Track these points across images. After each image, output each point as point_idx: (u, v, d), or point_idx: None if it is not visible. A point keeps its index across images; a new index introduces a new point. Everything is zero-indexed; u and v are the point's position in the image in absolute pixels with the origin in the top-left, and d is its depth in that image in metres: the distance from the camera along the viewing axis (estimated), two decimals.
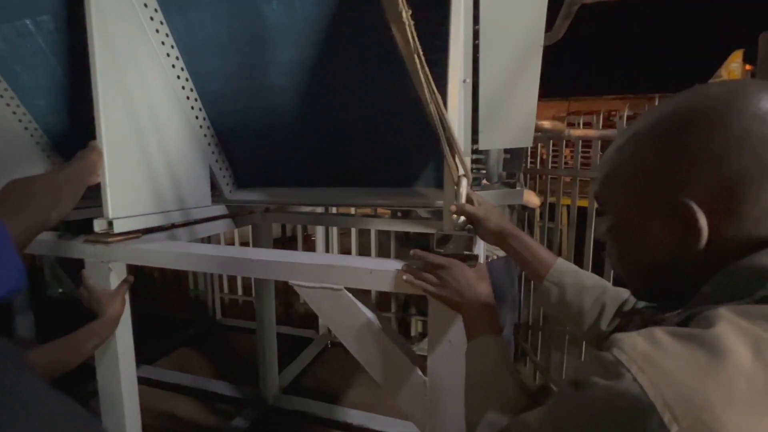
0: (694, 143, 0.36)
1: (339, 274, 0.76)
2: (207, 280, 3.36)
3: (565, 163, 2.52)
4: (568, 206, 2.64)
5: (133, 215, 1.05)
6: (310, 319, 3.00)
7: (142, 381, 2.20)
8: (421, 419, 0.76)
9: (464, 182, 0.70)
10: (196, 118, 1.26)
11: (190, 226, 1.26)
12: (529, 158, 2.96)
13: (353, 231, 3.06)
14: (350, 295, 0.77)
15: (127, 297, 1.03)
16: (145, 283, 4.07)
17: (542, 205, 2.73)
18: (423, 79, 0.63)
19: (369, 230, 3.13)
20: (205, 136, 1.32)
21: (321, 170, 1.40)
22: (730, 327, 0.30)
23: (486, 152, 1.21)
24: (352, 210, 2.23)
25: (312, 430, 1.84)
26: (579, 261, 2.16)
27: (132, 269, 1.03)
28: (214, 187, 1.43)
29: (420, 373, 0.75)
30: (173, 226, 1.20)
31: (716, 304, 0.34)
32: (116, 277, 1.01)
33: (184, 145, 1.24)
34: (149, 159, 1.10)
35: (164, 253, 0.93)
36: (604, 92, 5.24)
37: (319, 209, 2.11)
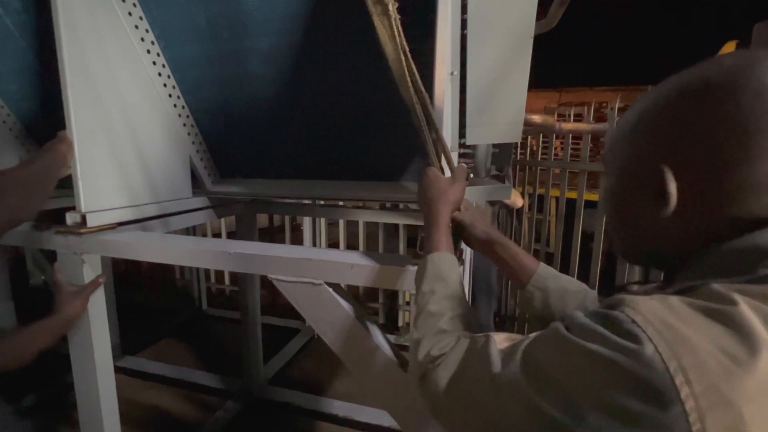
0: (685, 116, 0.37)
1: (319, 269, 0.75)
2: (193, 269, 3.32)
3: (555, 155, 2.52)
4: (557, 198, 2.66)
5: (108, 209, 1.01)
6: (296, 310, 2.99)
7: (125, 372, 2.19)
8: (405, 419, 0.75)
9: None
10: (174, 106, 1.22)
11: (169, 218, 1.23)
12: (518, 149, 2.96)
13: (341, 222, 3.04)
14: (330, 290, 0.75)
15: (101, 291, 1.01)
16: (130, 273, 4.00)
17: (531, 196, 2.75)
18: (409, 79, 0.61)
19: (357, 221, 3.11)
20: (185, 125, 1.27)
21: (305, 162, 1.36)
22: (747, 306, 0.30)
23: (474, 146, 1.19)
24: (340, 201, 2.21)
25: (297, 421, 1.84)
26: (567, 253, 2.19)
27: (118, 259, 1.00)
28: (196, 178, 1.39)
29: (401, 368, 0.74)
30: (153, 217, 1.16)
31: (709, 279, 0.34)
32: (90, 270, 0.98)
33: (162, 134, 1.19)
34: (124, 149, 1.06)
35: (139, 246, 0.90)
36: (596, 83, 5.21)
37: (306, 200, 2.08)
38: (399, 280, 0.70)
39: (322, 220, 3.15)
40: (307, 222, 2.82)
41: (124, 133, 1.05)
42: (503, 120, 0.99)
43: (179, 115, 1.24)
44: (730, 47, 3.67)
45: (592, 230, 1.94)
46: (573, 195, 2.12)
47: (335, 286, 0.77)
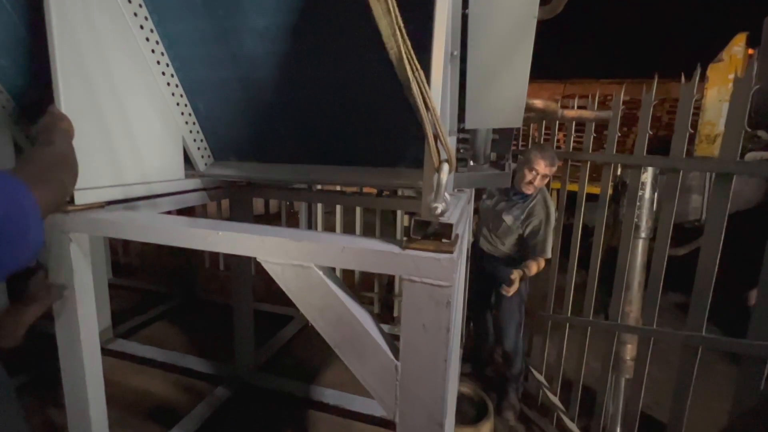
0: None
1: (309, 251, 0.72)
2: (189, 254, 3.31)
3: (558, 147, 2.48)
4: (557, 191, 2.63)
5: (96, 187, 0.98)
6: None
7: (116, 355, 2.19)
8: (391, 405, 0.74)
9: (445, 168, 0.65)
10: (168, 85, 1.18)
11: (159, 199, 1.20)
12: (520, 140, 2.92)
13: (338, 209, 3.01)
14: (321, 273, 0.73)
15: (89, 273, 0.99)
16: (126, 256, 4.00)
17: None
18: (404, 55, 0.58)
19: (354, 209, 3.09)
20: (178, 105, 1.24)
21: (301, 146, 1.33)
22: None
23: (473, 132, 1.16)
24: (337, 186, 2.17)
25: (286, 409, 1.83)
26: (566, 246, 2.16)
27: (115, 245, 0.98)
28: (190, 160, 1.36)
29: (392, 356, 0.72)
30: (142, 198, 1.14)
31: None
32: (77, 249, 0.95)
33: (154, 113, 1.16)
34: (114, 127, 1.03)
35: (127, 225, 0.87)
36: (602, 75, 5.12)
37: (302, 185, 2.05)
38: (391, 264, 0.68)
39: (319, 207, 3.13)
40: (303, 209, 2.79)
41: (114, 111, 1.02)
42: (504, 104, 0.95)
43: (172, 94, 1.21)
44: (740, 39, 3.60)
45: (592, 225, 1.91)
46: (574, 188, 2.09)
47: (327, 271, 0.74)
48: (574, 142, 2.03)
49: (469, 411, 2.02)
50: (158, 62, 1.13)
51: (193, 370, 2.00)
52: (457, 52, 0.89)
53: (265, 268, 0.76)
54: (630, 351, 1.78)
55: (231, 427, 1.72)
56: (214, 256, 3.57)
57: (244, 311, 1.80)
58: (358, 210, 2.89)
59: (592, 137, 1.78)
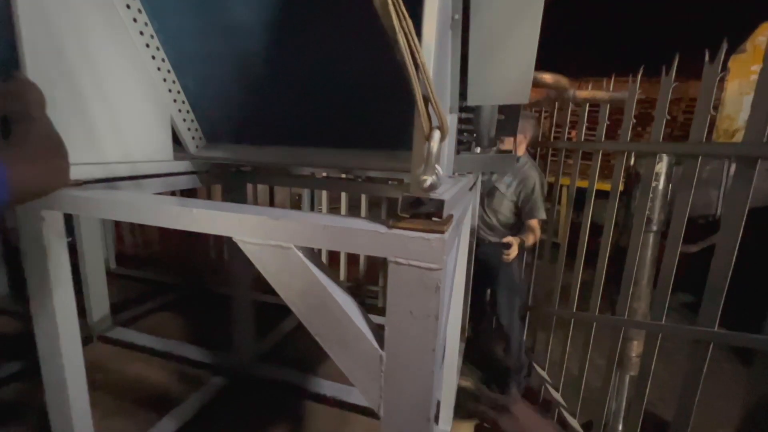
0: None
1: (288, 230, 0.66)
2: (195, 244, 3.29)
3: (569, 139, 2.37)
4: (567, 187, 2.52)
5: (71, 163, 0.93)
6: None
7: (115, 343, 2.17)
8: (376, 398, 0.68)
9: (437, 136, 0.58)
10: (153, 58, 1.12)
11: (143, 180, 1.15)
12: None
13: (343, 199, 2.96)
14: (301, 254, 0.67)
15: (65, 253, 0.94)
16: (134, 247, 4.01)
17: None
18: (391, 2, 0.50)
19: (360, 204, 3.02)
20: (165, 81, 1.18)
21: (297, 127, 1.27)
22: None
23: (477, 111, 1.08)
24: (342, 174, 2.11)
25: (283, 399, 1.79)
26: (573, 243, 2.07)
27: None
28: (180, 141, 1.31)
29: (376, 345, 0.66)
30: (125, 178, 1.09)
31: None
32: (50, 229, 0.91)
33: (137, 88, 1.10)
34: (90, 101, 0.97)
35: (92, 201, 0.82)
36: (617, 73, 4.92)
37: (306, 172, 1.99)
38: (376, 245, 0.62)
39: (324, 198, 3.07)
40: (305, 199, 2.74)
41: (90, 82, 0.97)
42: (511, 77, 0.87)
43: (158, 69, 1.15)
44: (764, 29, 3.42)
45: (601, 222, 1.82)
46: (584, 183, 2.00)
47: (308, 253, 0.68)
48: (586, 131, 1.92)
49: (470, 406, 1.97)
50: (141, 33, 1.07)
51: (191, 359, 1.98)
52: (458, 16, 0.81)
53: (242, 249, 0.71)
54: (636, 348, 1.71)
55: (225, 416, 1.69)
56: (219, 245, 3.55)
57: (243, 300, 1.76)
58: (363, 198, 2.82)
59: (605, 125, 1.68)
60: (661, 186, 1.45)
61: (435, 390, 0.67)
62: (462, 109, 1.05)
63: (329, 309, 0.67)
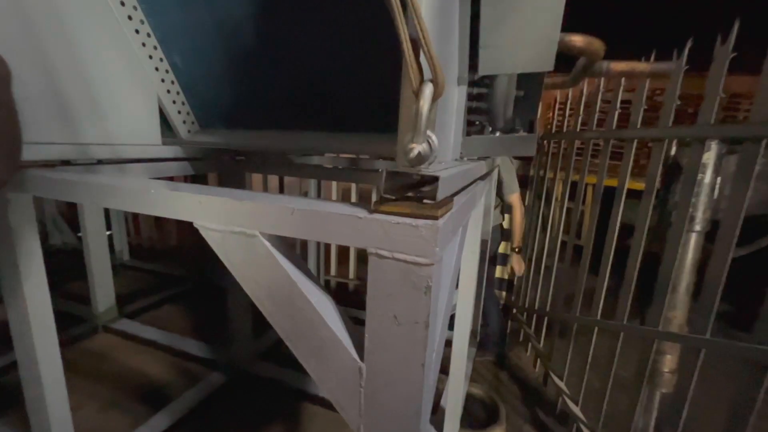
0: None
1: (253, 215, 0.55)
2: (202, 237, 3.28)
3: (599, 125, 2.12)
4: (594, 185, 2.32)
5: (42, 142, 0.86)
6: None
7: (119, 334, 2.15)
8: (354, 417, 0.56)
9: (428, 91, 0.46)
10: (137, 32, 1.04)
11: (129, 165, 1.08)
12: (555, 117, 2.55)
13: (353, 192, 2.85)
14: (267, 243, 0.56)
15: (35, 237, 0.87)
16: (149, 240, 4.05)
17: (564, 182, 2.43)
18: None
19: (372, 190, 2.91)
20: (151, 58, 1.10)
21: (293, 109, 1.17)
22: None
23: (490, 85, 0.94)
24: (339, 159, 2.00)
25: (279, 399, 1.71)
26: (599, 249, 1.88)
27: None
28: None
29: (355, 355, 0.54)
30: (106, 162, 1.02)
31: None
32: (17, 214, 0.84)
33: (118, 64, 1.02)
34: (65, 77, 0.90)
35: (48, 182, 0.74)
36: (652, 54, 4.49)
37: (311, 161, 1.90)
38: (353, 233, 0.50)
39: (334, 190, 2.98)
40: (312, 190, 2.65)
41: (63, 56, 0.89)
42: (531, 39, 0.73)
43: (143, 45, 1.07)
44: None
45: (631, 224, 1.62)
46: (613, 182, 1.80)
47: (277, 242, 0.57)
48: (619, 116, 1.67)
49: (480, 414, 1.84)
50: (123, 3, 0.99)
51: (191, 354, 1.93)
52: None
53: (203, 236, 0.61)
54: (669, 362, 1.52)
55: (219, 414, 1.63)
56: None
57: (240, 295, 1.69)
58: (374, 192, 2.70)
59: (642, 108, 1.46)
60: (707, 179, 1.26)
61: (425, 410, 0.55)
62: (472, 84, 0.91)
63: (299, 309, 0.56)
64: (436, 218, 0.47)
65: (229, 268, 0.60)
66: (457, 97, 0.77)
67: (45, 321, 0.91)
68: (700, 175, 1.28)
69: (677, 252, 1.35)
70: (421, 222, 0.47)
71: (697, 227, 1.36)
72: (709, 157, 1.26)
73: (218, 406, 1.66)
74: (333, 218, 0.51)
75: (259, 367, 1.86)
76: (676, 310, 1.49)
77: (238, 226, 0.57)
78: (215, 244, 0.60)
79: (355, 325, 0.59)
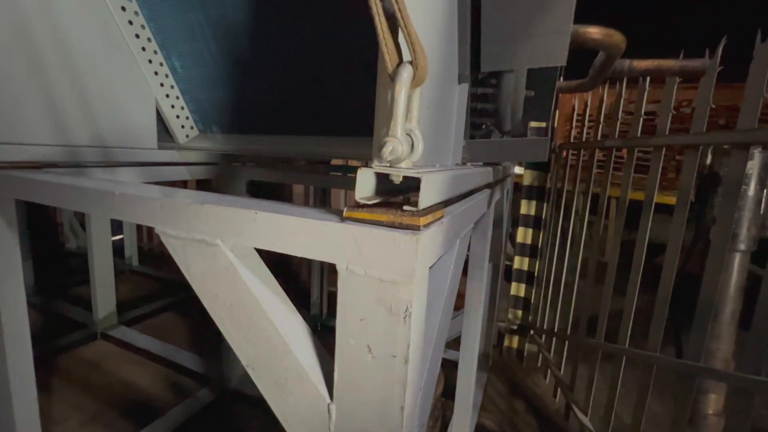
0: None
1: (214, 220, 0.48)
2: None
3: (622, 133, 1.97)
4: (617, 199, 2.15)
5: (28, 143, 0.83)
6: (299, 299, 2.81)
7: (115, 342, 2.13)
8: None
9: (406, 73, 0.38)
10: (137, 37, 1.02)
11: (122, 168, 1.04)
12: (574, 124, 2.39)
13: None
14: (231, 254, 0.49)
15: (15, 239, 0.83)
16: (159, 245, 4.10)
17: (585, 194, 2.28)
18: None
19: None
20: (150, 62, 1.07)
21: (289, 115, 1.12)
22: None
23: (496, 84, 0.86)
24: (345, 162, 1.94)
25: (267, 419, 1.62)
26: (626, 266, 1.72)
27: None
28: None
29: (324, 391, 0.46)
30: (96, 165, 0.98)
31: None
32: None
33: (114, 68, 1.00)
34: (56, 76, 0.87)
35: (9, 182, 0.70)
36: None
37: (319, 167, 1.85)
38: (320, 244, 0.42)
39: (342, 199, 2.92)
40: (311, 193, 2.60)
41: (55, 56, 0.87)
42: (541, 31, 0.64)
43: (143, 49, 1.05)
44: None
45: (659, 241, 1.45)
46: (639, 196, 1.66)
47: (242, 252, 0.50)
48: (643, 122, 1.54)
49: None
50: (123, 8, 0.97)
51: (184, 367, 1.88)
52: None
53: (163, 241, 0.54)
54: (714, 403, 1.33)
55: None
56: None
57: None
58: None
59: (670, 115, 1.33)
60: (752, 191, 1.11)
61: None
62: (477, 83, 0.83)
63: (261, 331, 0.48)
64: (417, 228, 0.39)
65: (188, 280, 0.53)
66: (457, 96, 0.69)
67: (19, 332, 0.87)
68: (743, 187, 1.14)
69: (719, 274, 1.19)
70: (398, 233, 0.38)
71: (741, 246, 1.20)
72: (753, 166, 1.12)
73: (204, 425, 1.59)
74: (299, 226, 0.43)
75: (248, 384, 1.79)
76: (720, 342, 1.31)
77: (198, 232, 0.50)
78: (175, 253, 0.53)
79: (331, 356, 0.51)
